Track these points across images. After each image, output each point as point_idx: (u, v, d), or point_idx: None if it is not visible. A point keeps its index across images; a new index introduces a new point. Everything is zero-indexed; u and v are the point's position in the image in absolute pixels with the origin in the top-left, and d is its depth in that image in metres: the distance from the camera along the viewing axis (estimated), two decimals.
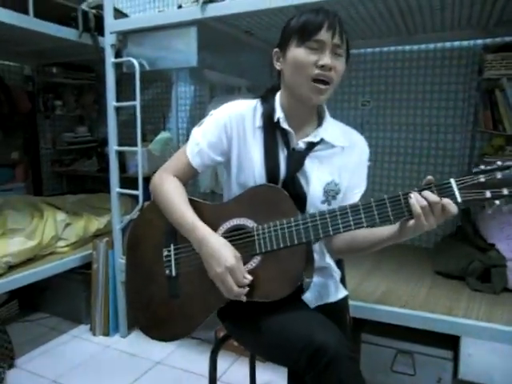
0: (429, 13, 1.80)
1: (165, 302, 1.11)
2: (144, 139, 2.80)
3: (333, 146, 1.10)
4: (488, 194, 0.84)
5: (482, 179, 0.84)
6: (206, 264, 1.01)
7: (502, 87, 1.89)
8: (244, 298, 0.98)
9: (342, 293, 1.21)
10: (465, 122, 2.23)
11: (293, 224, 0.98)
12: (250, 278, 0.98)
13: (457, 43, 2.20)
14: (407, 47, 2.31)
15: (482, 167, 0.86)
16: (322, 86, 1.00)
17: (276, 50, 1.08)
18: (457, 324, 1.54)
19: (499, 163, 0.85)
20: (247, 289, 0.98)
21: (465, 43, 2.19)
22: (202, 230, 1.02)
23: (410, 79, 2.32)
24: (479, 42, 2.14)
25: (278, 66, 1.08)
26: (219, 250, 0.98)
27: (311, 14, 1.00)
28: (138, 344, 2.20)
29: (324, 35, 0.97)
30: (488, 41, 2.09)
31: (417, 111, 2.33)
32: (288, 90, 1.07)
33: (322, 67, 0.98)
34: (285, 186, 1.05)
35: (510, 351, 1.51)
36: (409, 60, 2.32)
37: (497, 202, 0.84)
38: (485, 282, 1.78)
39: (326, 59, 0.98)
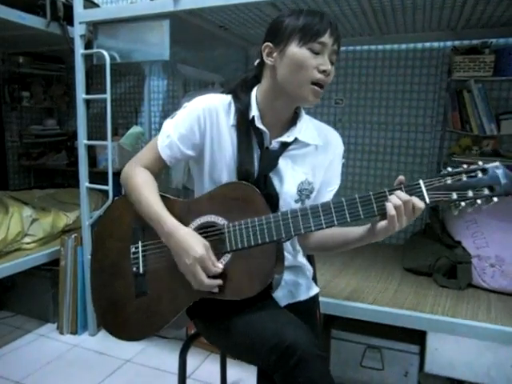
0: (401, 13, 1.83)
1: (132, 300, 1.09)
2: (116, 133, 2.75)
3: (307, 145, 1.09)
4: (454, 195, 0.86)
5: (449, 181, 0.87)
6: (175, 257, 0.99)
7: (469, 88, 1.94)
8: (216, 289, 0.97)
9: (314, 290, 1.22)
10: (434, 122, 2.29)
11: (264, 222, 0.97)
12: (220, 266, 0.97)
13: (428, 44, 2.25)
14: (380, 47, 2.35)
15: (450, 169, 0.88)
16: (321, 90, 1.00)
17: (268, 44, 1.02)
18: (423, 319, 1.58)
19: (465, 166, 0.88)
20: (219, 281, 0.97)
21: (435, 44, 2.24)
22: (169, 222, 1.00)
23: (382, 78, 2.36)
24: (448, 43, 2.19)
25: (269, 61, 1.02)
26: (187, 240, 0.97)
27: (315, 16, 0.98)
28: (107, 342, 2.15)
29: (327, 39, 0.97)
30: (457, 43, 2.14)
31: (388, 110, 2.37)
32: (276, 86, 1.03)
33: (324, 72, 0.98)
34: (257, 185, 1.03)
35: (472, 344, 1.56)
36: (381, 59, 2.35)
37: (462, 203, 0.86)
38: (451, 278, 1.83)
39: (328, 65, 0.98)
